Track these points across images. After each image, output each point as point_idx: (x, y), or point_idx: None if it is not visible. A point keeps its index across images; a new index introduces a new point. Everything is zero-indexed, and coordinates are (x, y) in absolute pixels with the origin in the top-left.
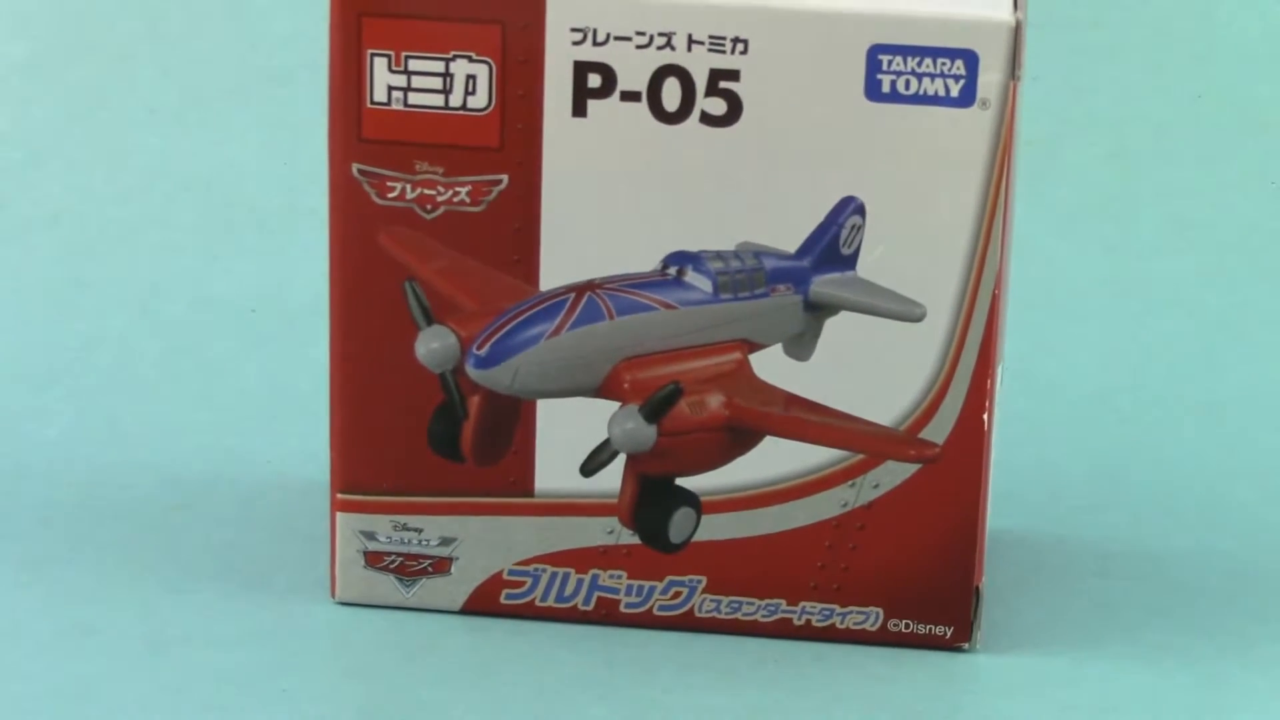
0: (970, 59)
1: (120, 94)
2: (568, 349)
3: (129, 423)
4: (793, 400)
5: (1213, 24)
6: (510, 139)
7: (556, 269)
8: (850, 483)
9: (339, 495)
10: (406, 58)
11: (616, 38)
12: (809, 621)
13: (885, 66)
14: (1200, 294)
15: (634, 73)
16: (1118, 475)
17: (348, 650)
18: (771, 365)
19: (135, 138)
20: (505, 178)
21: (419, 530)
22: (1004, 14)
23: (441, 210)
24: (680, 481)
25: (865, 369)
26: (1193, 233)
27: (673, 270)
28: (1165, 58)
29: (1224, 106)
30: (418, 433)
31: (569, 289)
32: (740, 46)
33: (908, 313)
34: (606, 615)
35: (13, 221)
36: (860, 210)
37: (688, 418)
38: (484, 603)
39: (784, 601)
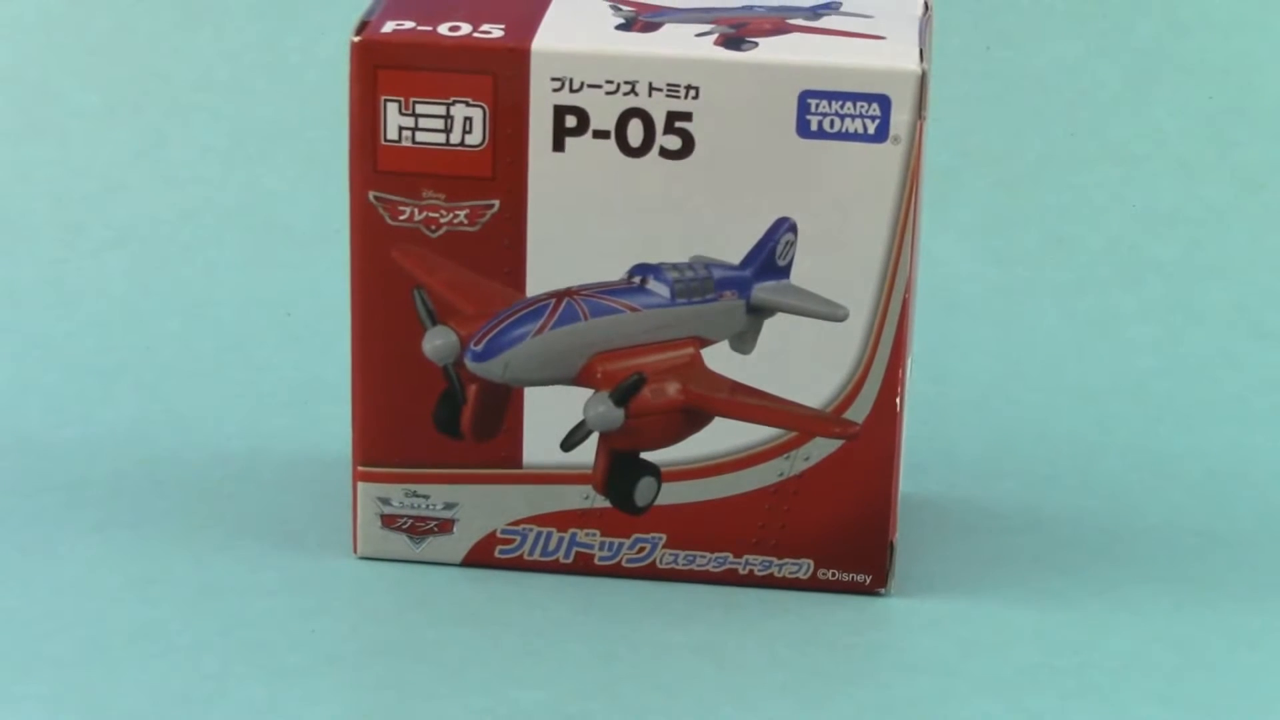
0: (884, 102)
1: (178, 135)
2: (550, 345)
3: (185, 408)
4: (737, 387)
5: (1081, 75)
6: (501, 170)
7: (540, 279)
8: (785, 456)
9: (359, 467)
10: (414, 103)
11: (589, 85)
12: (751, 571)
13: (813, 109)
14: (1073, 298)
15: (604, 114)
16: (1007, 449)
17: (367, 597)
18: (719, 358)
19: (191, 171)
20: (497, 202)
21: (426, 497)
22: (912, 65)
23: (444, 230)
24: (644, 455)
25: (797, 361)
26: (1066, 247)
27: (637, 279)
28: (1043, 103)
29: (1092, 142)
30: (425, 415)
31: (550, 295)
32: (692, 92)
33: (832, 314)
34: (583, 567)
35: (89, 241)
36: (793, 229)
37: (650, 402)
38: (481, 557)
39: (730, 554)
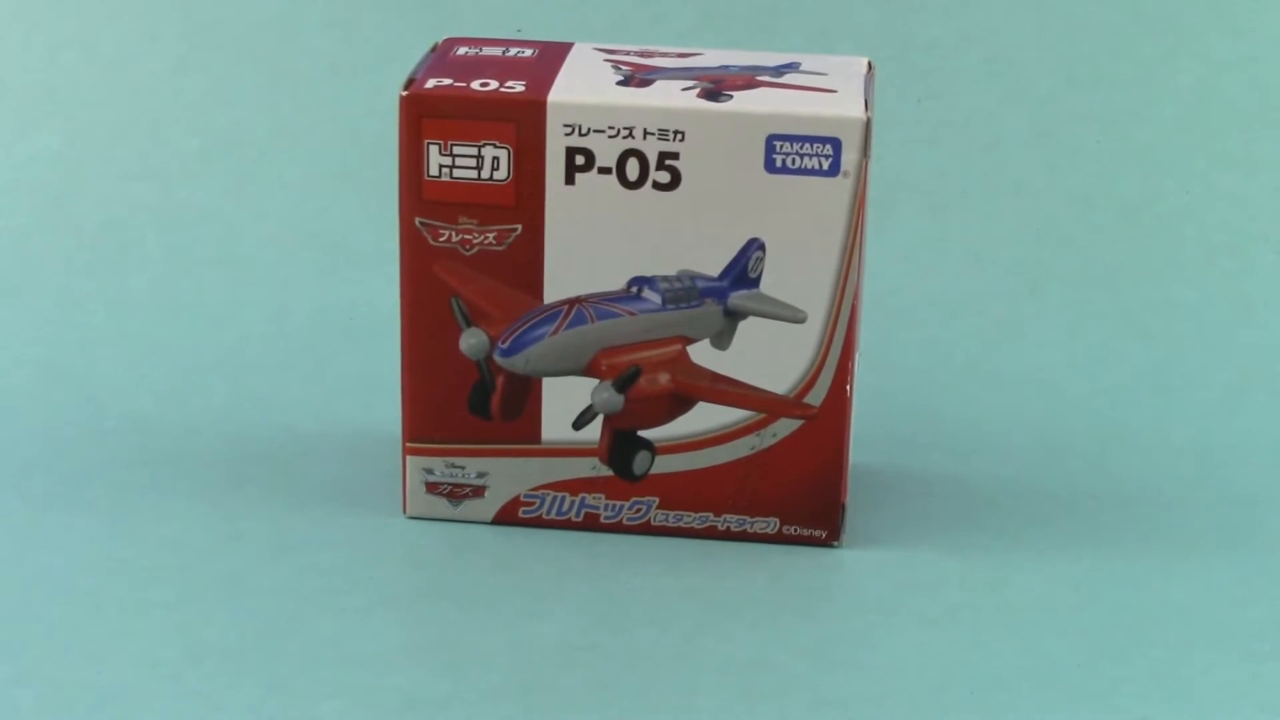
0: (836, 143)
1: (262, 174)
2: (563, 343)
3: (266, 395)
4: (717, 377)
5: (994, 123)
6: (523, 200)
7: (555, 289)
8: (757, 433)
9: (407, 443)
10: (451, 145)
11: (594, 130)
12: (729, 528)
13: (778, 149)
14: (988, 304)
15: (607, 154)
16: (935, 426)
17: (414, 550)
18: (702, 353)
19: (272, 203)
20: (520, 227)
21: (462, 467)
22: (858, 113)
23: (476, 249)
24: (641, 433)
25: (765, 355)
26: (981, 263)
27: (634, 289)
28: (963, 145)
29: (1003, 177)
30: (462, 400)
31: (563, 302)
32: (679, 136)
33: (794, 317)
34: (591, 525)
35: (189, 262)
36: (762, 247)
37: (645, 389)
38: (507, 517)
39: (712, 514)
